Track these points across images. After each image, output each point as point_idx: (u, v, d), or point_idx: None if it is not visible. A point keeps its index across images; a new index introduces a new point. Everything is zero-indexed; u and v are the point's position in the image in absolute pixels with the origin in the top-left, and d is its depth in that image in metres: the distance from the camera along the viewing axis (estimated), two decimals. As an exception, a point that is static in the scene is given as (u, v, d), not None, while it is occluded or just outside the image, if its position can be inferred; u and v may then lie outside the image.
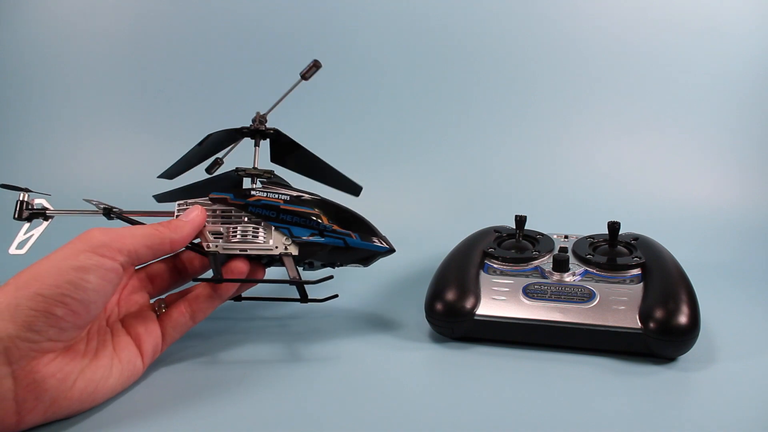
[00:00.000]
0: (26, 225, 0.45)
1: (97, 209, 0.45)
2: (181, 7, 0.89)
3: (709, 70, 0.79)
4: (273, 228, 0.46)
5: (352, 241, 0.47)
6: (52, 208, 0.46)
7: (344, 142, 0.84)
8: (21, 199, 0.45)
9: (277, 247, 0.45)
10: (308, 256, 0.46)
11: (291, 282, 0.44)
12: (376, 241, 0.48)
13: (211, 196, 0.46)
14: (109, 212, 0.45)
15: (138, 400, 0.40)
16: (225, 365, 0.44)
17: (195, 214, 0.44)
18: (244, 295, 0.50)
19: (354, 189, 0.51)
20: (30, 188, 0.45)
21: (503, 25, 0.83)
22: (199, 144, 0.47)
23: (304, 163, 0.49)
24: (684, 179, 0.77)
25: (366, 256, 0.48)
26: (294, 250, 0.45)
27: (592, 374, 0.42)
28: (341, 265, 0.49)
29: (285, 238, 0.45)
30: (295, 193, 0.47)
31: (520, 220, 0.55)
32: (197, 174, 0.49)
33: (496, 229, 0.57)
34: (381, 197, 0.77)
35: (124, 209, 0.46)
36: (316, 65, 0.47)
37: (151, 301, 0.45)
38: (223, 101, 0.86)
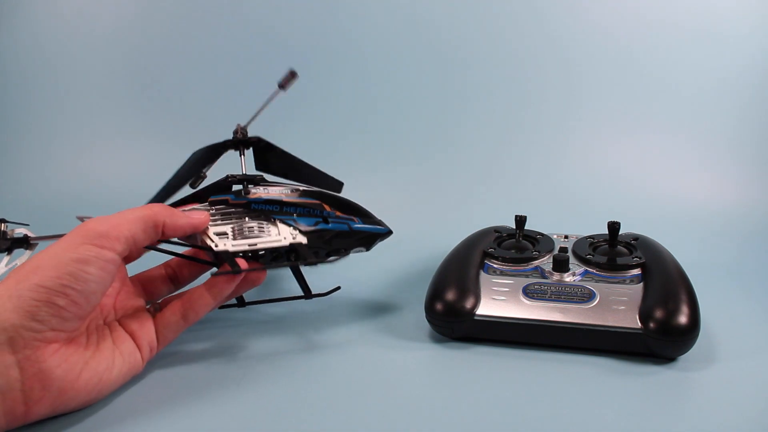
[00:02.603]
0: (6, 257, 0.43)
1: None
2: (182, 9, 0.89)
3: (709, 70, 0.79)
4: (278, 221, 0.46)
5: (356, 225, 0.49)
6: (34, 236, 0.44)
7: (343, 142, 0.84)
8: None
9: (285, 238, 0.46)
10: (316, 244, 0.47)
11: (310, 263, 0.45)
12: (376, 222, 0.51)
13: (211, 199, 0.46)
14: None
15: (138, 399, 0.40)
16: (224, 365, 0.44)
17: (198, 216, 0.44)
18: (247, 299, 0.50)
19: (336, 186, 0.52)
20: (6, 218, 0.43)
21: (502, 24, 0.83)
22: (182, 166, 0.47)
23: (287, 165, 0.50)
24: (684, 179, 0.77)
25: (368, 239, 0.50)
26: (303, 240, 0.46)
27: (592, 374, 0.42)
28: (346, 252, 0.50)
29: (292, 228, 0.46)
30: (294, 187, 0.48)
31: (520, 220, 0.55)
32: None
33: (496, 229, 0.57)
34: (381, 197, 0.77)
35: None
36: (292, 75, 0.47)
37: (147, 305, 0.45)
38: (224, 103, 0.86)
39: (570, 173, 0.80)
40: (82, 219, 0.43)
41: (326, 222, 0.48)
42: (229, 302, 0.48)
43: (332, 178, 0.51)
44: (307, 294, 0.49)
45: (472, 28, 0.83)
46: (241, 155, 0.49)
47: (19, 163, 0.90)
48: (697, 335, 0.42)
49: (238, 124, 0.48)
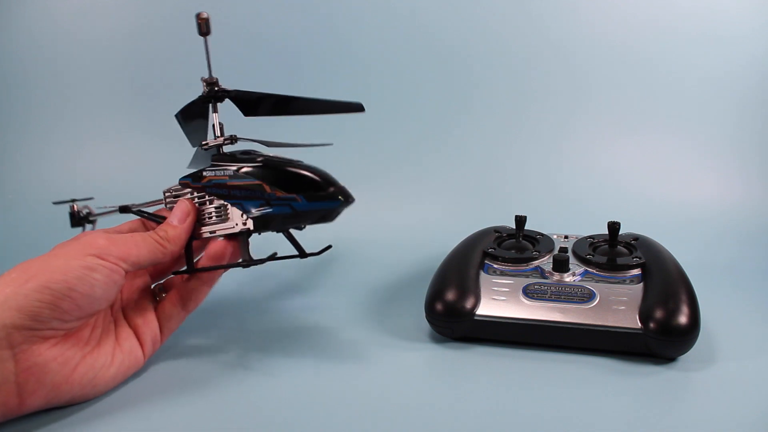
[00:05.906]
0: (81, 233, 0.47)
1: (113, 209, 0.49)
2: (179, 10, 0.89)
3: (710, 70, 0.79)
4: (230, 205, 0.45)
5: (298, 204, 0.42)
6: (95, 212, 0.50)
7: (343, 142, 0.84)
8: (71, 210, 0.49)
9: (237, 225, 0.44)
10: (264, 228, 0.44)
11: (256, 262, 0.44)
12: (326, 195, 0.42)
13: (180, 181, 0.46)
14: (126, 209, 0.48)
15: (135, 395, 0.40)
16: (224, 363, 0.44)
17: (185, 215, 0.44)
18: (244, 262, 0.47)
19: (353, 107, 0.47)
20: (75, 198, 0.49)
21: (503, 25, 0.83)
22: (184, 130, 0.48)
23: (274, 104, 0.46)
24: (684, 180, 0.77)
25: (323, 215, 0.43)
26: (251, 225, 0.44)
27: (592, 374, 0.42)
28: (304, 227, 0.45)
29: (241, 213, 0.44)
30: (237, 166, 0.44)
31: (520, 220, 0.55)
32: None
33: (496, 229, 0.57)
34: (381, 198, 0.77)
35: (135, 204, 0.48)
36: (199, 17, 0.45)
37: (152, 286, 0.46)
38: (222, 105, 0.86)
39: (570, 173, 0.80)
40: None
41: (270, 205, 0.43)
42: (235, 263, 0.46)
43: (344, 102, 0.47)
44: (302, 254, 0.45)
45: (472, 28, 0.83)
46: (213, 112, 0.46)
47: (18, 162, 0.90)
48: (697, 335, 0.42)
49: (202, 77, 0.46)
